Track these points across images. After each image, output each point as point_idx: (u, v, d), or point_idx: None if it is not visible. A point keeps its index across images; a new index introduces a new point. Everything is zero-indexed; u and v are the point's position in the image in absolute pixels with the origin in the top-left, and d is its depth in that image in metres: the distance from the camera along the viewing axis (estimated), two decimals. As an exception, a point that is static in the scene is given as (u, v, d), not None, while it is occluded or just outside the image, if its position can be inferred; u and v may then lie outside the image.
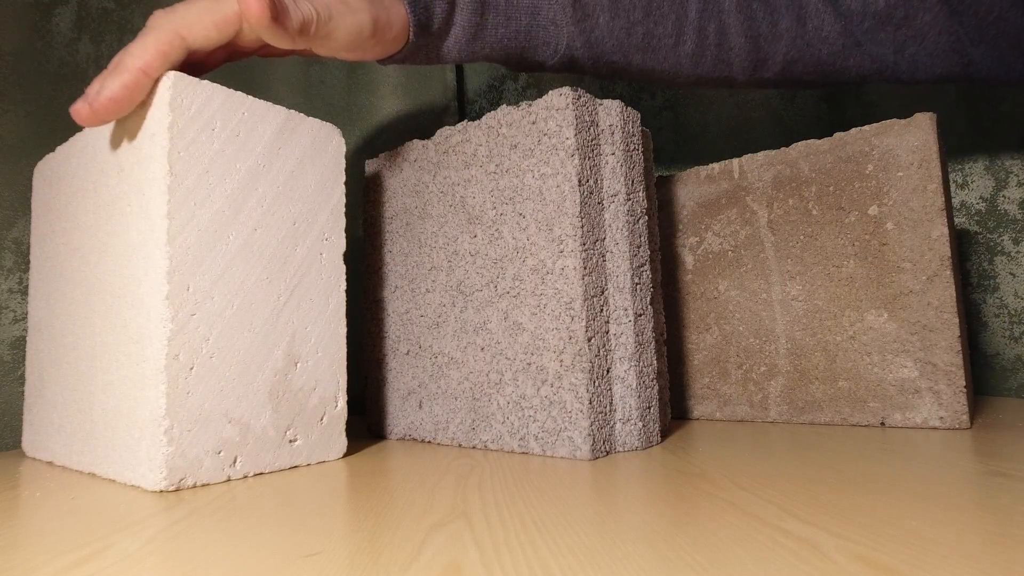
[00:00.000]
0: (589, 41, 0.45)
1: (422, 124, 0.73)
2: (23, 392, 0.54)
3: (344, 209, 0.41)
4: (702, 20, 0.45)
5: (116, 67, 0.33)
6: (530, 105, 0.39)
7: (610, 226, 0.39)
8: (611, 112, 0.39)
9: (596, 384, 0.36)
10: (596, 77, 0.50)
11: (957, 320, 0.40)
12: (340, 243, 0.41)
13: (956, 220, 0.67)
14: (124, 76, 0.32)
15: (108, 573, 0.20)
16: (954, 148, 0.67)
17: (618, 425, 0.37)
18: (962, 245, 0.67)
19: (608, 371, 0.37)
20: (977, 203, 0.66)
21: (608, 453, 0.36)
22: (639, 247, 0.40)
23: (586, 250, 0.36)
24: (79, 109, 0.33)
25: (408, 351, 0.46)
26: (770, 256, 0.48)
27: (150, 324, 0.32)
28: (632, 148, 0.40)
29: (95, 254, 0.38)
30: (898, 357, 0.42)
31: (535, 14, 0.44)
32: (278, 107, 0.38)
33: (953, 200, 0.67)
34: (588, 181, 0.37)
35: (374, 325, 0.49)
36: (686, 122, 0.77)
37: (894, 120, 0.43)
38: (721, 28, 0.45)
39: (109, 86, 0.33)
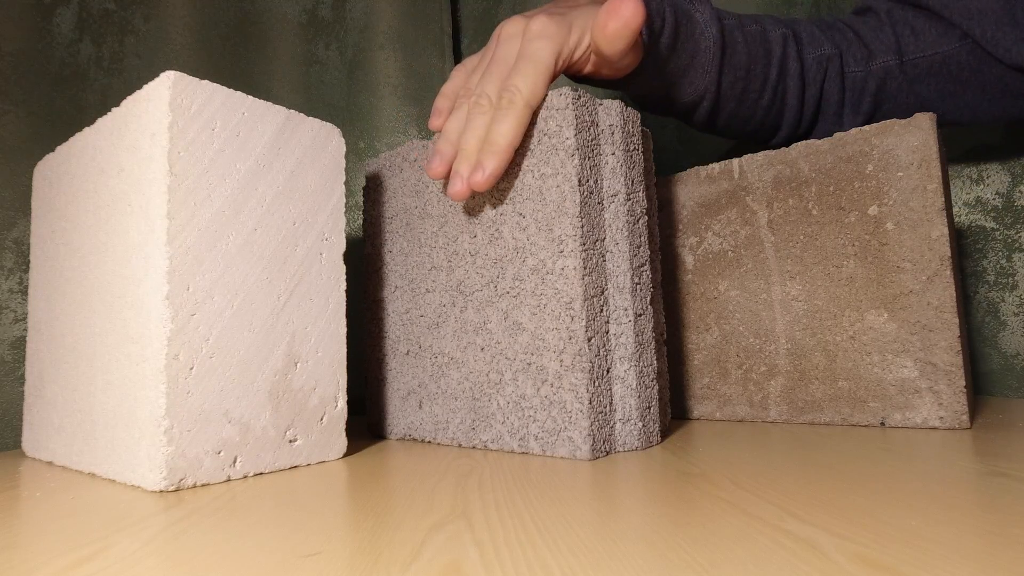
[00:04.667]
0: (719, 88, 0.52)
1: (423, 125, 0.73)
2: (23, 392, 0.55)
3: (344, 209, 0.42)
4: (778, 82, 0.54)
5: (489, 139, 0.37)
6: (530, 105, 0.39)
7: (610, 226, 0.39)
8: (611, 112, 0.39)
9: (596, 384, 0.36)
10: (686, 121, 0.56)
11: (957, 320, 0.40)
12: (340, 243, 0.41)
13: (972, 216, 0.66)
14: (500, 158, 0.36)
15: (108, 573, 0.20)
16: (968, 143, 0.66)
17: (618, 425, 0.37)
18: (978, 241, 0.65)
19: (608, 371, 0.37)
20: (993, 199, 0.65)
21: (608, 453, 0.36)
22: (639, 247, 0.40)
23: (586, 250, 0.36)
24: (458, 192, 0.37)
25: (408, 351, 0.46)
26: (770, 256, 0.48)
27: (150, 324, 0.32)
28: (632, 148, 0.40)
29: (95, 254, 0.38)
30: (898, 357, 0.42)
31: (694, 55, 0.49)
32: (278, 107, 0.38)
33: (968, 195, 0.66)
34: (588, 181, 0.37)
35: (374, 325, 0.49)
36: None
37: (894, 120, 0.43)
38: (784, 89, 0.55)
39: (488, 167, 0.36)
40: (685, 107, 0.53)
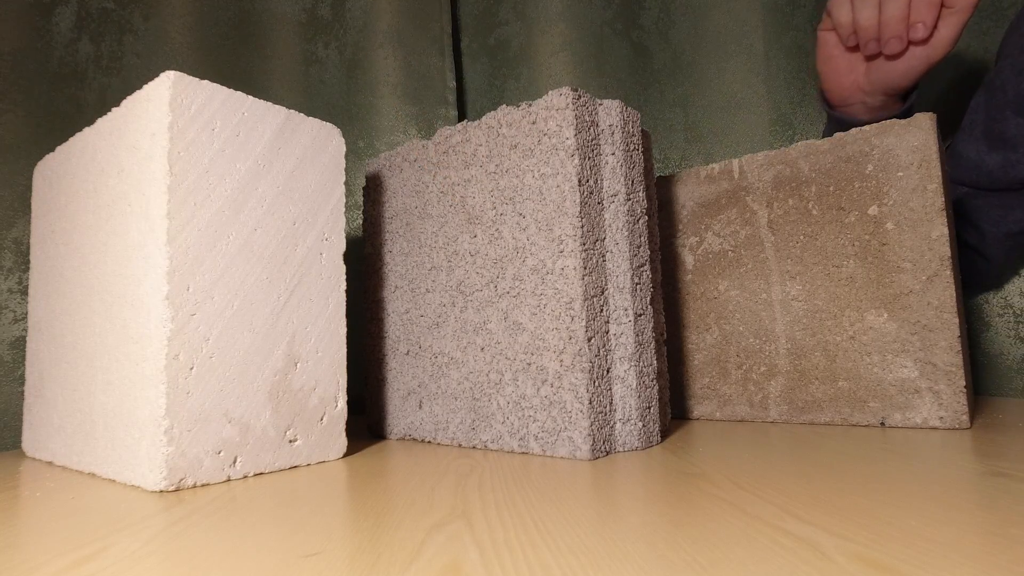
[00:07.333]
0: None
1: (422, 124, 0.73)
2: (23, 392, 0.54)
3: (344, 209, 0.42)
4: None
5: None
6: (530, 105, 0.39)
7: (610, 226, 0.39)
8: (611, 112, 0.39)
9: (596, 384, 0.36)
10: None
11: (957, 320, 0.40)
12: (340, 243, 0.41)
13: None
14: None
15: (108, 573, 0.20)
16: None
17: (618, 425, 0.37)
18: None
19: (608, 371, 0.37)
20: None
21: (608, 453, 0.36)
22: (639, 247, 0.40)
23: (586, 250, 0.36)
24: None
25: (408, 351, 0.46)
26: (770, 256, 0.48)
27: (150, 324, 0.32)
28: (632, 148, 0.40)
29: (95, 254, 0.38)
30: (898, 357, 0.42)
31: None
32: (278, 107, 0.38)
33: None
34: (588, 181, 0.37)
35: (374, 325, 0.49)
36: (695, 121, 0.77)
37: (894, 120, 0.43)
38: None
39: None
40: None
